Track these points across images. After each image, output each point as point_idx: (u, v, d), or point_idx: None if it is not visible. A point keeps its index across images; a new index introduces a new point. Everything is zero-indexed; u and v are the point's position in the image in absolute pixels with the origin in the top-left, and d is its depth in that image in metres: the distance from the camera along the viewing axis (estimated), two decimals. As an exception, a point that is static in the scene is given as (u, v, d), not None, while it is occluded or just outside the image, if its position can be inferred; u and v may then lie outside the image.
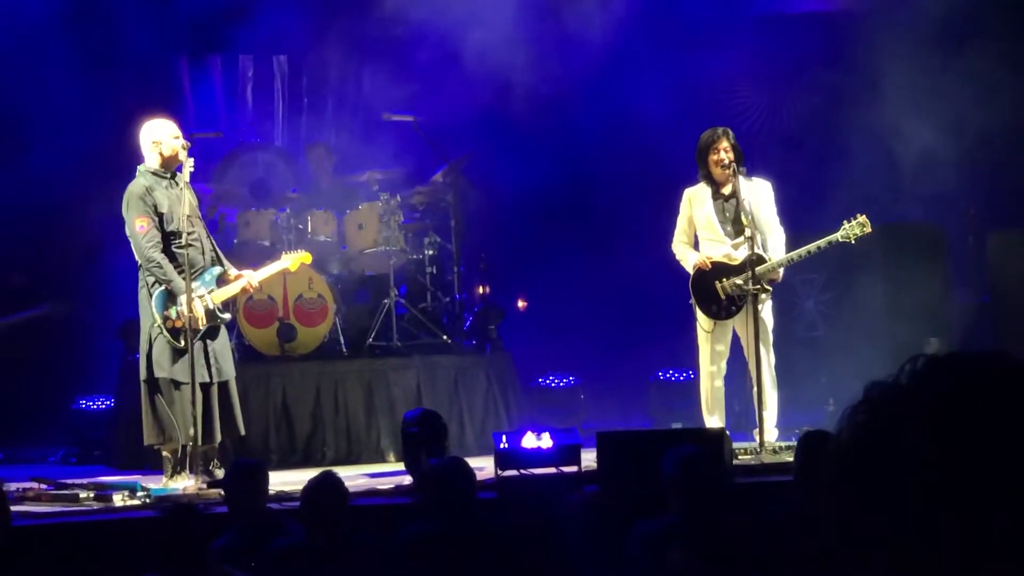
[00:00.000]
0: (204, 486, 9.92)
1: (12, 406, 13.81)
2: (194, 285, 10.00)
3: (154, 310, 9.99)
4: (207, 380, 10.10)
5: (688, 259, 10.72)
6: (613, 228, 14.95)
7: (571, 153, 14.85)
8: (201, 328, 10.02)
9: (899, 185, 14.36)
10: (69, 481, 10.28)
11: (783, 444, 10.24)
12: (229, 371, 10.34)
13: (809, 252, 10.46)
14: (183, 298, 9.91)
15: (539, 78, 14.04)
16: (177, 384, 10.02)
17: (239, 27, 14.93)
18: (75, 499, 9.57)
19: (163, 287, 10.00)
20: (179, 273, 10.00)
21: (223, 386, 10.30)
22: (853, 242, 10.45)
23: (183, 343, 9.94)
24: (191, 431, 9.94)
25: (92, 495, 9.58)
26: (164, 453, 10.20)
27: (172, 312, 9.98)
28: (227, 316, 10.45)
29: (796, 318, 13.50)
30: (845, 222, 10.40)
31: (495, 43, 13.56)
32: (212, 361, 10.14)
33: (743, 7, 15.61)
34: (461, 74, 13.58)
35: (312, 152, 14.16)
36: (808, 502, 6.71)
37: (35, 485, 9.98)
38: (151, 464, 10.92)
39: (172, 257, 10.07)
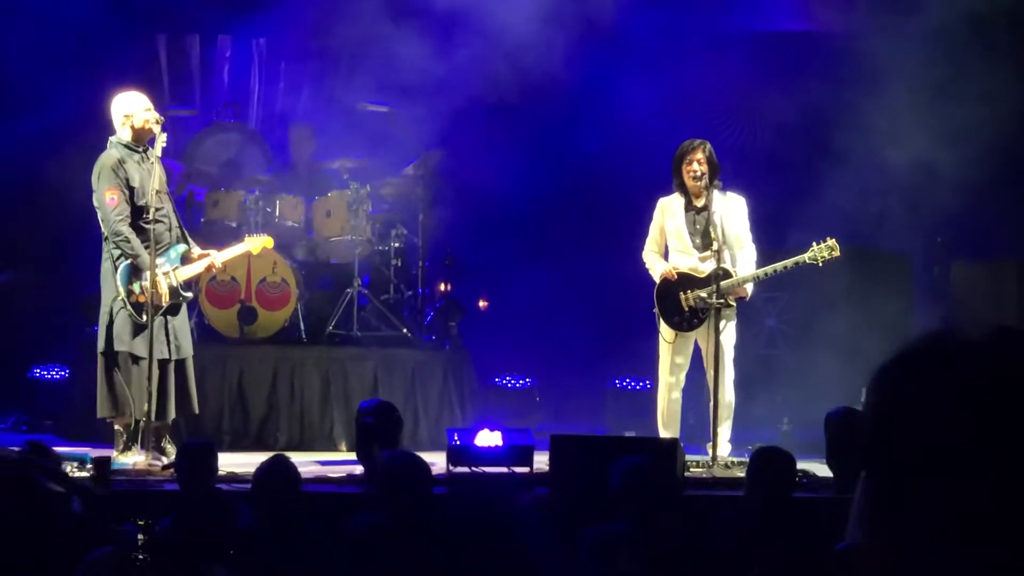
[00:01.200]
0: (155, 462, 9.90)
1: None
2: (159, 261, 9.98)
3: (118, 283, 9.97)
4: (166, 356, 10.09)
5: (656, 268, 10.76)
6: (579, 234, 14.95)
7: (543, 158, 14.84)
8: (164, 304, 10.00)
9: (870, 210, 14.40)
10: (19, 449, 10.23)
11: (735, 460, 10.27)
12: (188, 349, 10.34)
13: (775, 271, 10.51)
14: (148, 273, 9.89)
15: (517, 81, 14.03)
16: (136, 359, 10.00)
17: (219, 7, 14.92)
18: (24, 467, 9.53)
19: (128, 261, 9.97)
20: (145, 248, 9.97)
21: (180, 364, 10.29)
22: (820, 264, 10.49)
23: (144, 318, 9.92)
24: (145, 406, 9.91)
25: (41, 464, 9.55)
26: (116, 427, 10.18)
27: (136, 287, 9.96)
28: (189, 294, 10.46)
29: (756, 335, 13.52)
30: (815, 244, 10.46)
31: (475, 44, 13.57)
32: (172, 338, 10.13)
33: (738, 23, 15.62)
34: (440, 69, 13.57)
35: (296, 131, 14.13)
36: (757, 517, 6.74)
37: (-15, 450, 9.93)
38: (102, 437, 10.86)
39: (139, 231, 10.06)
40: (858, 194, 13.84)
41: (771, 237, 11.67)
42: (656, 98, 14.69)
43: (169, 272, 10.10)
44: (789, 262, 10.47)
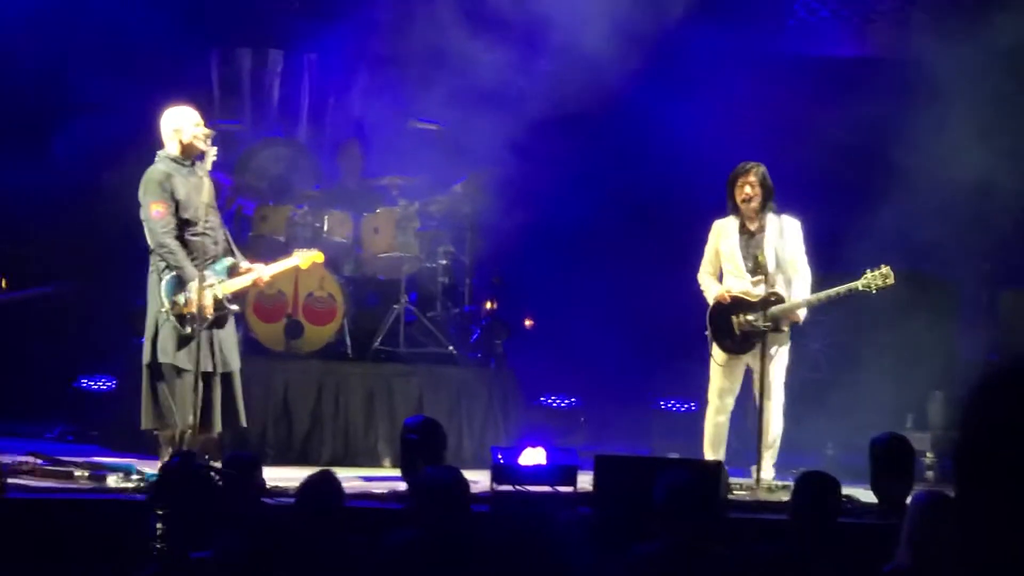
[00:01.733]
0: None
1: (15, 380, 13.83)
2: (205, 274, 10.00)
3: (163, 295, 10.00)
4: (210, 369, 10.08)
5: (710, 291, 10.72)
6: (628, 254, 14.91)
7: (591, 177, 14.83)
8: (208, 317, 10.02)
9: (922, 234, 14.31)
10: (65, 458, 10.28)
11: (779, 483, 10.22)
12: (234, 362, 10.32)
13: (828, 297, 10.46)
14: (193, 285, 9.91)
15: (568, 101, 14.04)
16: (179, 371, 10.02)
17: (271, 22, 14.98)
18: (69, 476, 9.60)
19: (173, 273, 10.01)
20: (191, 261, 10.01)
21: (227, 377, 10.27)
22: (873, 292, 10.41)
23: (189, 330, 9.94)
24: (189, 419, 9.93)
25: (87, 474, 9.61)
26: (161, 439, 10.21)
27: (180, 298, 9.99)
28: (235, 307, 10.44)
29: (801, 359, 13.42)
30: (868, 271, 10.37)
31: (527, 63, 13.59)
32: (217, 351, 10.13)
33: (794, 46, 15.60)
34: (490, 88, 13.58)
35: (345, 148, 14.16)
36: (801, 541, 6.70)
37: (31, 459, 9.98)
38: (147, 448, 10.89)
39: (185, 244, 10.09)
40: (911, 218, 13.77)
41: (825, 260, 11.59)
42: (711, 119, 14.67)
43: (214, 284, 10.11)
44: (842, 289, 10.41)
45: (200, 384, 9.96)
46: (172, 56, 14.42)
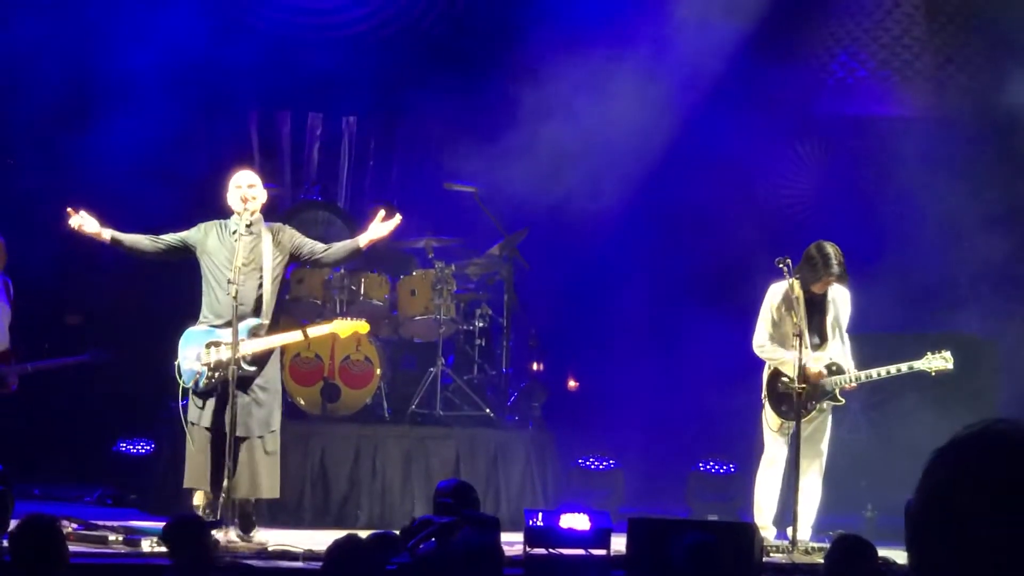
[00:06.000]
0: (236, 539, 9.91)
1: (55, 444, 13.90)
2: (222, 333, 9.97)
3: (180, 348, 10.07)
4: (225, 432, 9.92)
5: (786, 359, 10.56)
6: (666, 316, 14.86)
7: (629, 237, 14.84)
8: (213, 376, 9.99)
9: (958, 295, 14.25)
10: (100, 523, 10.29)
11: (816, 545, 10.15)
12: (253, 428, 10.11)
13: (888, 373, 10.47)
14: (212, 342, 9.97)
15: (606, 158, 14.10)
16: (204, 430, 10.03)
17: (310, 85, 15.07)
18: (103, 541, 9.61)
19: (189, 328, 10.08)
20: (215, 317, 10.04)
21: (246, 442, 10.09)
22: (933, 375, 10.42)
23: (191, 386, 9.98)
24: (204, 479, 9.96)
25: (121, 538, 9.62)
26: (195, 502, 10.20)
27: (191, 353, 10.05)
28: (251, 368, 10.10)
29: (840, 420, 13.38)
30: (929, 353, 10.38)
31: (561, 125, 13.64)
32: (236, 413, 9.90)
33: (830, 107, 15.61)
34: (526, 150, 13.63)
35: (377, 212, 14.16)
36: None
37: (66, 523, 9.99)
38: (187, 511, 10.88)
39: (214, 301, 10.11)
40: (945, 276, 13.73)
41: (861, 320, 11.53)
42: (748, 184, 14.71)
43: (222, 345, 10.01)
44: (903, 366, 10.42)
45: (205, 443, 10.00)
46: (212, 120, 14.51)
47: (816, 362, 10.46)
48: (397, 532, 8.98)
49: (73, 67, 14.16)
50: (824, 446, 10.72)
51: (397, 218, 10.40)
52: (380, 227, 10.38)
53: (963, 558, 1.69)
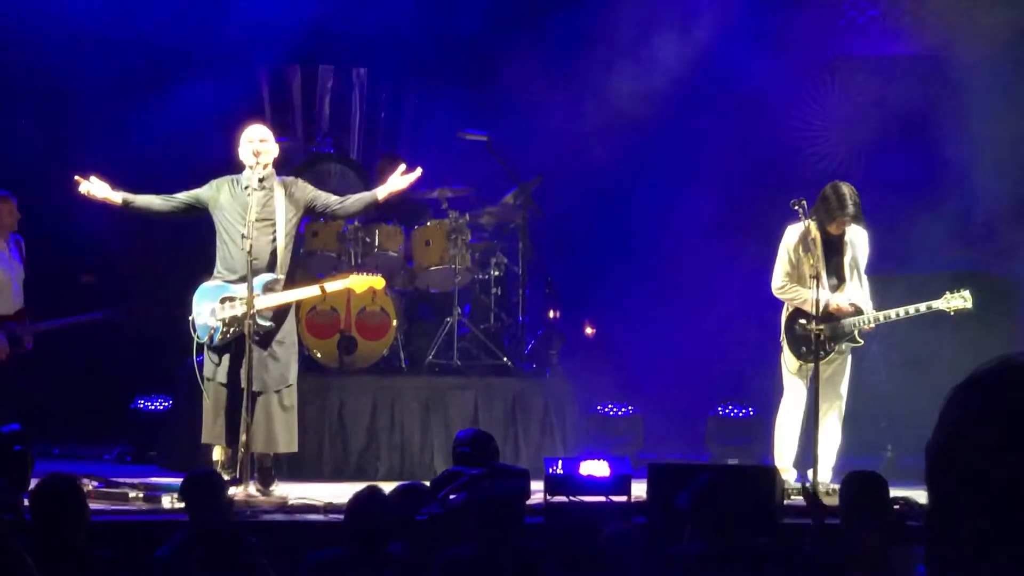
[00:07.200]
0: (256, 494, 9.92)
1: (73, 403, 13.91)
2: (237, 288, 9.96)
3: (194, 303, 10.07)
4: (242, 387, 9.92)
5: (807, 298, 10.49)
6: (683, 259, 14.79)
7: (643, 182, 14.79)
8: (228, 331, 9.99)
9: (975, 234, 14.17)
10: (120, 480, 10.32)
11: (836, 487, 10.12)
12: (270, 383, 10.13)
13: (907, 313, 10.43)
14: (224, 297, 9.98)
15: (619, 102, 14.04)
16: (220, 386, 10.04)
17: (321, 38, 15.01)
18: (124, 498, 9.64)
19: (203, 284, 10.07)
20: (229, 272, 10.03)
21: (262, 397, 10.10)
22: (951, 314, 10.37)
23: (205, 341, 9.99)
24: (220, 434, 9.98)
25: (141, 495, 9.63)
26: (213, 457, 10.21)
27: (205, 309, 10.06)
28: (267, 323, 10.10)
29: (860, 361, 13.33)
30: (948, 292, 10.37)
31: (574, 69, 13.57)
32: (252, 368, 9.89)
33: (842, 48, 15.53)
34: (538, 96, 13.57)
35: (386, 163, 14.12)
36: (850, 543, 6.64)
37: (86, 482, 10.00)
38: (204, 467, 10.89)
39: (228, 257, 10.09)
40: (966, 216, 13.65)
41: (881, 261, 11.47)
42: (766, 129, 14.65)
43: (236, 300, 10.00)
44: (921, 306, 10.39)
45: (221, 398, 10.04)
46: (222, 75, 14.44)
47: (839, 297, 10.45)
48: (426, 483, 9.01)
49: (79, 29, 14.10)
50: (843, 389, 10.71)
51: (418, 171, 10.39)
52: (399, 180, 10.36)
53: (980, 492, 1.66)
